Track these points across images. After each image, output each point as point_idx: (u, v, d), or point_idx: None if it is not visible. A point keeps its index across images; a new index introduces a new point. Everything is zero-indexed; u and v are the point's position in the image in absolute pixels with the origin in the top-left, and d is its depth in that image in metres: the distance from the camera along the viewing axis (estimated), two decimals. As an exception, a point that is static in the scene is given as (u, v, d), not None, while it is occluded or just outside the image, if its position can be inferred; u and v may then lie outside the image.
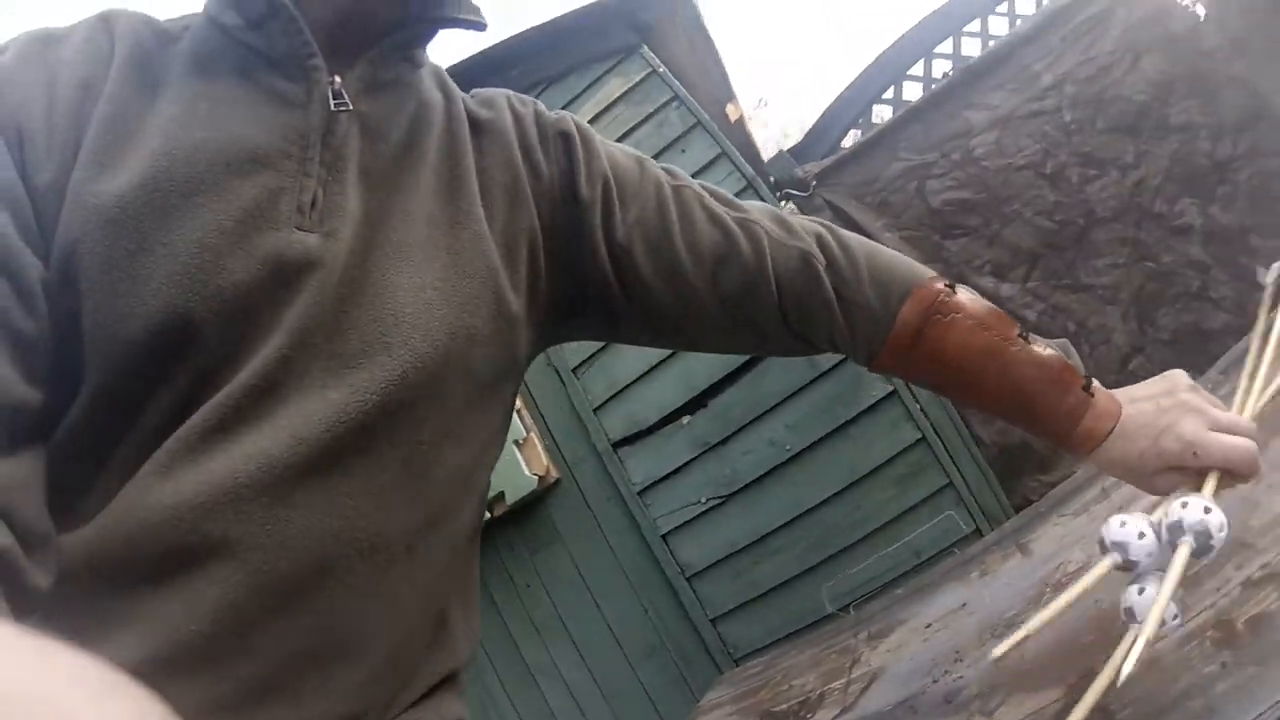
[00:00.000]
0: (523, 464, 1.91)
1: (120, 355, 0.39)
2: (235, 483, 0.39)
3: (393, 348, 0.43)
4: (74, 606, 0.38)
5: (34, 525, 0.36)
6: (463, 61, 2.34)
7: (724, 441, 1.86)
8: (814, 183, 1.89)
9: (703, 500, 1.87)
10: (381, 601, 0.43)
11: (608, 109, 2.19)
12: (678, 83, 2.09)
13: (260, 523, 0.39)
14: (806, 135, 2.11)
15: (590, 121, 2.14)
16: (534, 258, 0.53)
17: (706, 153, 1.98)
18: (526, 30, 2.38)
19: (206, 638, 0.38)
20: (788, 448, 1.82)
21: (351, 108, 0.46)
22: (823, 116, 2.06)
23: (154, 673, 0.34)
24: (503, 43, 2.34)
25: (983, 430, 1.84)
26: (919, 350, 0.55)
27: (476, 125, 0.54)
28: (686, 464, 1.88)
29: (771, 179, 1.97)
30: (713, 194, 0.58)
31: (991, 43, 1.97)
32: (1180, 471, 0.48)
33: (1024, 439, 1.89)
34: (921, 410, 1.80)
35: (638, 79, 2.16)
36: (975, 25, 2.02)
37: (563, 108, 2.08)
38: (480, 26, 0.52)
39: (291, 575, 0.39)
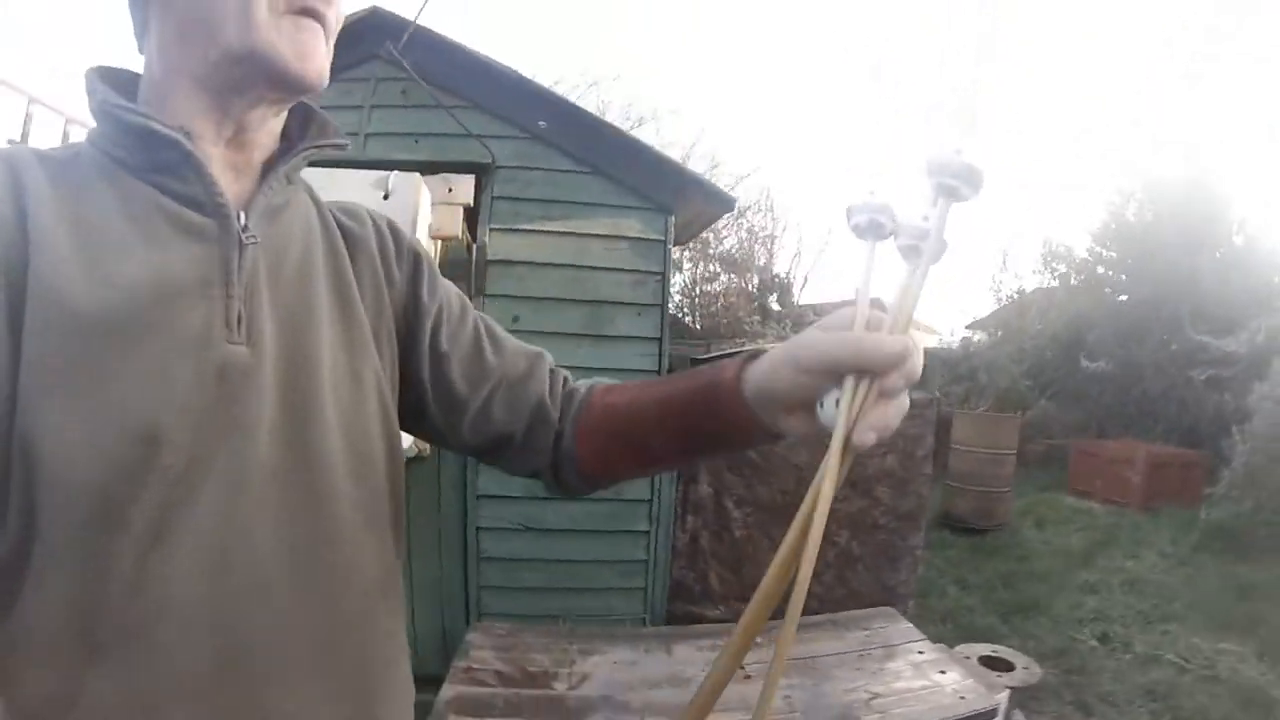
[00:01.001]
0: (409, 438, 2.80)
1: (97, 467, 0.44)
2: (264, 571, 0.50)
3: (331, 429, 0.54)
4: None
5: None
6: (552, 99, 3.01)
7: (548, 499, 2.92)
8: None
9: (517, 524, 2.96)
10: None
11: (614, 236, 2.99)
12: (670, 265, 3.00)
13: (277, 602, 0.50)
14: (716, 357, 3.19)
15: (592, 235, 2.97)
16: (391, 354, 0.63)
17: (652, 329, 2.97)
18: (618, 131, 3.06)
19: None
20: (578, 523, 2.98)
21: (258, 240, 0.53)
22: (737, 352, 3.17)
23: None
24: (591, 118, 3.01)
25: (675, 572, 3.15)
26: (597, 411, 0.67)
27: (347, 235, 0.63)
28: (518, 498, 2.92)
29: (671, 365, 3.03)
30: (506, 335, 0.72)
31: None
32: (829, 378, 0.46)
33: (692, 581, 3.23)
34: (654, 545, 3.05)
35: (650, 236, 3.01)
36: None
37: (584, 204, 2.90)
38: (344, 146, 0.62)
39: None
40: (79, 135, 2.66)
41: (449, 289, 0.70)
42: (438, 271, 0.69)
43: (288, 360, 0.54)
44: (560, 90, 11.00)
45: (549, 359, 0.73)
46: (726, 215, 12.92)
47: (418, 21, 3.03)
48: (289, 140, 0.60)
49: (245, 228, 0.53)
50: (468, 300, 0.72)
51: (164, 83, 0.53)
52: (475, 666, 1.89)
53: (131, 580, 0.45)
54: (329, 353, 0.57)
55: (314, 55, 0.52)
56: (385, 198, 2.52)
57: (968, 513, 6.05)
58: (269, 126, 0.57)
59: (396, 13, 3.06)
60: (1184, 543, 5.63)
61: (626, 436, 0.67)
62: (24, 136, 3.95)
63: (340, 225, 0.63)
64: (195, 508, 0.47)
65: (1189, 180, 9.16)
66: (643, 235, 3.02)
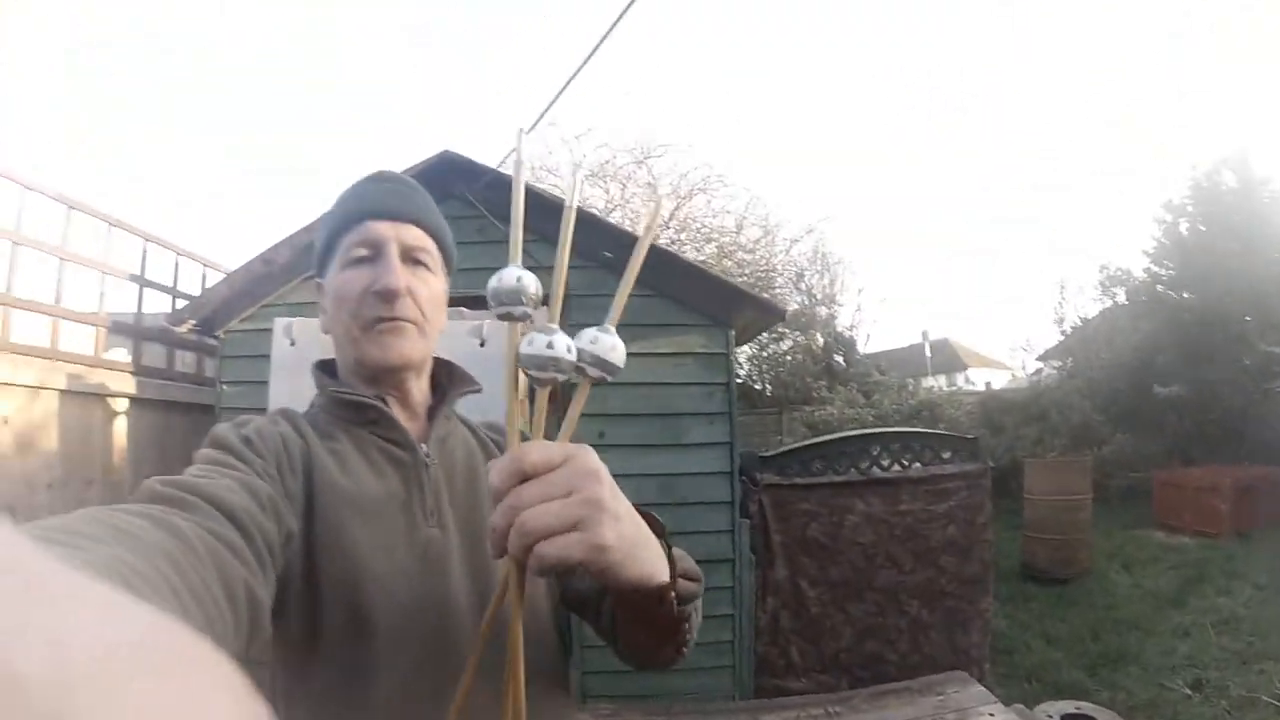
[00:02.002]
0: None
1: (353, 596, 0.68)
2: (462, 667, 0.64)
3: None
4: None
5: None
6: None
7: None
8: (759, 485, 3.50)
9: (608, 615, 3.45)
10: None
11: (681, 353, 3.53)
12: (735, 376, 3.51)
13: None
14: (782, 453, 3.69)
15: (661, 354, 3.53)
16: None
17: (722, 435, 3.47)
18: (676, 257, 3.61)
19: None
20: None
21: (436, 461, 0.80)
22: (801, 445, 3.67)
23: None
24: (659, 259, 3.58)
25: (759, 649, 3.59)
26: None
27: (498, 445, 0.90)
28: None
29: (742, 463, 3.52)
30: None
31: (897, 467, 3.69)
32: None
33: (775, 656, 3.66)
34: (739, 626, 3.49)
35: (714, 350, 3.55)
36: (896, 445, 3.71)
37: (652, 325, 3.48)
38: (478, 389, 0.89)
39: None
40: (189, 267, 4.32)
41: None
42: None
43: (466, 534, 0.78)
44: (613, 168, 11.95)
45: None
46: (786, 275, 13.87)
47: (487, 164, 3.68)
48: (439, 388, 0.88)
49: (427, 454, 0.80)
50: None
51: (346, 369, 0.84)
52: (591, 747, 2.28)
53: (377, 667, 0.67)
54: None
55: (393, 348, 0.78)
56: (481, 345, 3.02)
57: (1047, 563, 6.21)
58: (419, 385, 0.85)
59: (466, 155, 3.74)
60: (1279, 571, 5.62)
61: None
62: (142, 270, 4.82)
63: (491, 437, 0.92)
64: (418, 625, 0.70)
65: (1235, 189, 9.27)
66: (706, 349, 3.56)
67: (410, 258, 0.82)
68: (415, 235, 0.82)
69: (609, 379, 0.60)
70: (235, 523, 0.57)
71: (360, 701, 0.68)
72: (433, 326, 0.83)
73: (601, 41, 3.43)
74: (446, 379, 0.89)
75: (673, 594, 0.62)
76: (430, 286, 0.82)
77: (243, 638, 0.53)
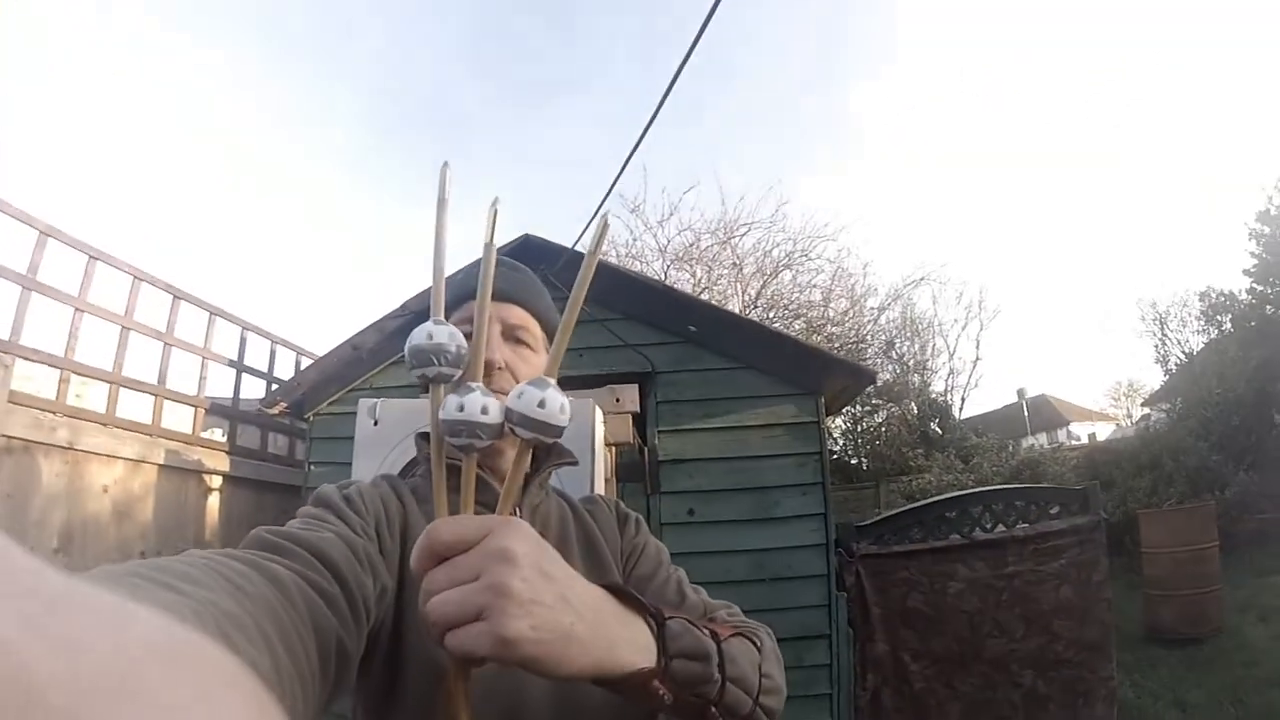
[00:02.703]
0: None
1: (431, 650, 0.62)
2: None
3: None
4: None
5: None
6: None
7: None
8: (855, 556, 3.52)
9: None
10: None
11: (771, 425, 3.64)
12: (828, 446, 3.56)
13: None
14: (878, 521, 3.70)
15: (750, 426, 3.60)
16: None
17: (816, 506, 3.52)
18: (760, 326, 3.69)
19: None
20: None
21: (529, 524, 0.74)
22: (899, 512, 3.67)
23: None
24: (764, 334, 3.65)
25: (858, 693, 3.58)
26: None
27: (590, 512, 0.96)
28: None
29: (837, 535, 3.55)
30: (688, 582, 0.95)
31: (1000, 527, 3.65)
32: None
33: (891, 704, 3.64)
34: (837, 706, 3.49)
35: (804, 419, 3.64)
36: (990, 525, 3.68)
37: (740, 398, 3.58)
38: (574, 463, 0.93)
39: None
40: (284, 355, 5.04)
41: (654, 545, 0.99)
42: (645, 532, 1.00)
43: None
44: (697, 251, 12.37)
45: (721, 606, 0.92)
46: (876, 345, 14.06)
47: (563, 245, 3.86)
48: (537, 460, 0.89)
49: (520, 517, 0.80)
50: (665, 559, 0.98)
51: None
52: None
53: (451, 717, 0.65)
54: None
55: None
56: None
57: (1175, 621, 5.90)
58: (516, 459, 0.84)
59: (546, 238, 3.95)
60: None
61: None
62: (240, 356, 5.21)
63: (587, 510, 0.97)
64: (491, 681, 0.67)
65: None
66: (797, 419, 3.66)
67: (511, 336, 0.88)
68: (517, 315, 0.89)
69: (546, 440, 0.56)
70: (334, 574, 0.59)
71: None
72: None
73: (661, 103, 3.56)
74: (543, 452, 0.90)
75: (656, 681, 0.60)
76: (530, 363, 0.88)
77: (328, 689, 0.54)
